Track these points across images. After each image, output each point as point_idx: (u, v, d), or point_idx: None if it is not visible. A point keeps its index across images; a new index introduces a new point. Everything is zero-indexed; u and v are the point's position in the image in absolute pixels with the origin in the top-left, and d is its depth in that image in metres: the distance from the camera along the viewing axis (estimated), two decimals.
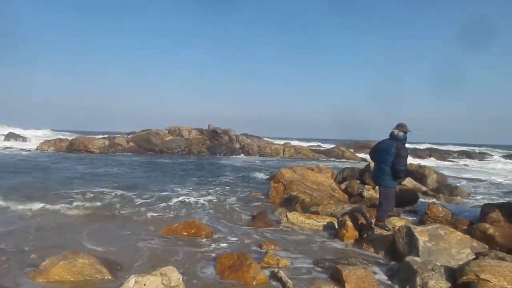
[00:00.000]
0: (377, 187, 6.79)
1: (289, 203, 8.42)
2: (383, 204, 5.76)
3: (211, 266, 4.44)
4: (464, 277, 3.72)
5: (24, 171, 12.97)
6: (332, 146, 32.42)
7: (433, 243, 4.60)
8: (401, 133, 5.67)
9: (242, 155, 27.37)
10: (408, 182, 9.99)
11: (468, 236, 4.92)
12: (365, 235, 5.73)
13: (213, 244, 5.36)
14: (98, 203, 7.65)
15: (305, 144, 35.30)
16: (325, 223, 6.53)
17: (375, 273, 4.30)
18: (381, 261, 4.93)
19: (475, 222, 6.01)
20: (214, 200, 8.72)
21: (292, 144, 31.80)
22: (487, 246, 4.78)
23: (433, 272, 3.87)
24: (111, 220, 6.63)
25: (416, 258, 4.23)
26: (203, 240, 5.55)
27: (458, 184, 12.38)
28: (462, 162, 28.76)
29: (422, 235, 4.69)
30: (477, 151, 39.70)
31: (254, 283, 3.98)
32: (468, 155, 35.29)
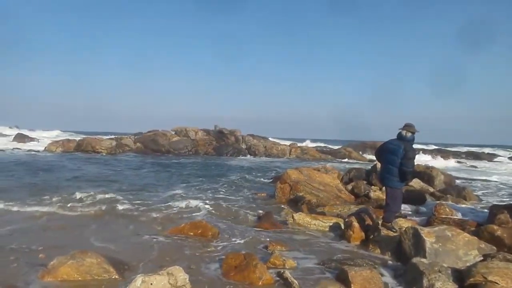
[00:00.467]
0: (383, 188, 6.75)
1: (295, 203, 8.42)
2: (390, 205, 5.71)
3: (217, 266, 4.46)
4: (471, 279, 3.69)
5: (32, 171, 13.12)
6: (339, 147, 32.33)
7: (440, 244, 4.57)
8: (409, 134, 5.53)
9: (249, 155, 27.37)
10: (416, 183, 9.93)
11: (476, 237, 4.87)
12: (372, 236, 5.69)
13: (219, 245, 5.39)
14: (105, 203, 7.70)
15: (312, 145, 35.23)
16: (331, 224, 6.51)
17: (381, 274, 4.29)
18: (388, 262, 4.90)
19: (483, 224, 5.93)
20: (221, 201, 8.74)
21: (298, 144, 31.74)
22: (495, 248, 4.73)
23: (440, 274, 3.84)
24: (118, 220, 6.68)
25: (423, 260, 4.20)
26: (210, 240, 5.57)
27: (466, 185, 12.26)
28: (470, 163, 28.47)
29: (429, 236, 4.66)
30: (486, 152, 39.26)
31: (260, 283, 3.99)
32: (477, 156, 34.92)
